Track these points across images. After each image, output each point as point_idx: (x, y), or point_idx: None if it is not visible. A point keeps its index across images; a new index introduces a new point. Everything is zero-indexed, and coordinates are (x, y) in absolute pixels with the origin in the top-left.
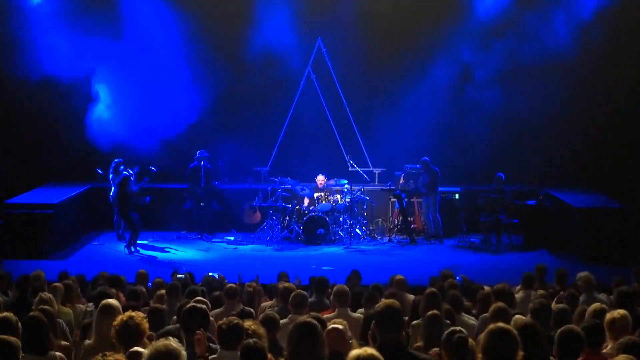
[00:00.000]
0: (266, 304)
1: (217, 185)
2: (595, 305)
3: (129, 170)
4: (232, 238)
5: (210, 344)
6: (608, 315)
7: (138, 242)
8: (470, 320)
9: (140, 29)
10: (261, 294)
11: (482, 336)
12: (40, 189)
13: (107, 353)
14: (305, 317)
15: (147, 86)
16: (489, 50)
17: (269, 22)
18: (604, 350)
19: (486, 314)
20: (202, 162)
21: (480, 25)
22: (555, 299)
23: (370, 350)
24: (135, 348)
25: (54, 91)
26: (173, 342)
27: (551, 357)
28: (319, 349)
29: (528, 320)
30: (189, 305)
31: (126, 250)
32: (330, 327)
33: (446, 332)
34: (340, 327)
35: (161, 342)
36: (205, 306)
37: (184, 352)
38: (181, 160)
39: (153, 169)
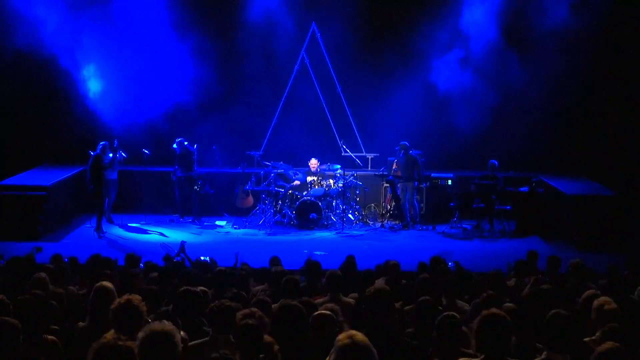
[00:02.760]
0: (258, 288)
1: (197, 170)
2: (588, 292)
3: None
4: (224, 222)
5: (204, 328)
6: (595, 303)
7: (131, 225)
8: (465, 306)
9: (131, 10)
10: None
11: (475, 323)
12: (33, 171)
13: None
14: (291, 301)
15: (138, 70)
16: (483, 35)
17: (263, 6)
18: (592, 338)
19: (478, 300)
20: (192, 147)
21: (474, 9)
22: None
23: (357, 334)
24: None
25: (45, 71)
26: (168, 324)
27: (538, 345)
28: (304, 332)
29: (515, 307)
30: (182, 288)
31: (101, 234)
32: (317, 313)
33: (439, 317)
34: (327, 312)
35: (156, 324)
36: (198, 289)
37: (178, 335)
38: (172, 143)
39: (146, 152)
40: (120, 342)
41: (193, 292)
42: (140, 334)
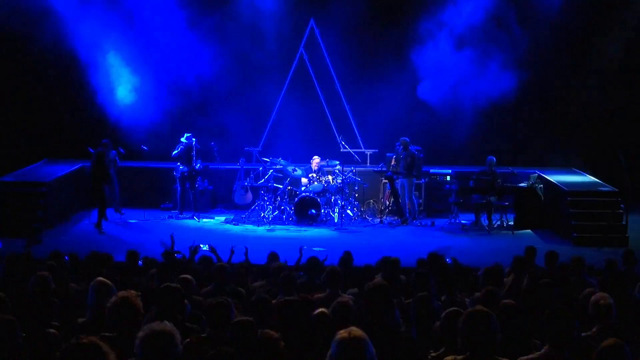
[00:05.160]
0: (257, 284)
1: (200, 165)
2: (588, 290)
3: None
4: (223, 218)
5: (186, 324)
6: (592, 299)
7: (130, 221)
8: (463, 302)
9: (138, 9)
10: (250, 272)
11: (459, 321)
12: (34, 167)
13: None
14: (291, 297)
15: (139, 66)
16: (480, 29)
17: (261, 3)
18: (589, 334)
19: (476, 295)
20: (194, 143)
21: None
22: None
23: (355, 329)
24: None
25: (47, 66)
26: (168, 324)
27: (535, 341)
28: (307, 326)
29: (509, 303)
30: (163, 285)
31: (98, 229)
32: (317, 311)
33: (446, 312)
34: (326, 310)
35: (156, 324)
36: (179, 285)
37: (178, 335)
38: (172, 139)
39: (145, 148)
40: (85, 340)
41: (173, 288)
42: (140, 334)
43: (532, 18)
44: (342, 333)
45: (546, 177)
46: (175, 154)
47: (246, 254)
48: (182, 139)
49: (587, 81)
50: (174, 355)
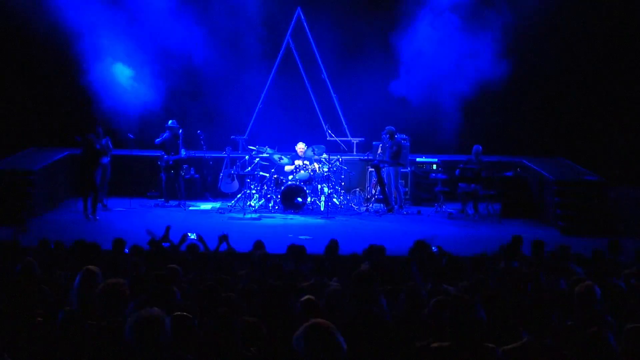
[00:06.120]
0: (242, 272)
1: (186, 153)
2: (575, 277)
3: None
4: (209, 206)
5: (176, 312)
6: (577, 288)
7: (117, 209)
8: (449, 289)
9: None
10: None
11: (445, 308)
12: (21, 155)
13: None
14: (275, 284)
15: (127, 55)
16: (466, 15)
17: None
18: (572, 322)
19: (464, 283)
20: (180, 131)
21: None
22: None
23: (321, 321)
24: None
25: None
26: (157, 310)
27: (519, 329)
28: (289, 314)
29: (493, 291)
30: (149, 273)
31: (90, 217)
32: (304, 298)
33: (434, 300)
34: (313, 298)
35: (145, 310)
36: (166, 274)
37: (167, 320)
38: (158, 128)
39: (131, 136)
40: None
41: (161, 276)
42: (130, 320)
43: (519, 4)
44: (310, 321)
45: (532, 166)
46: (158, 141)
47: (226, 239)
48: (169, 123)
49: (573, 69)
50: (164, 341)
